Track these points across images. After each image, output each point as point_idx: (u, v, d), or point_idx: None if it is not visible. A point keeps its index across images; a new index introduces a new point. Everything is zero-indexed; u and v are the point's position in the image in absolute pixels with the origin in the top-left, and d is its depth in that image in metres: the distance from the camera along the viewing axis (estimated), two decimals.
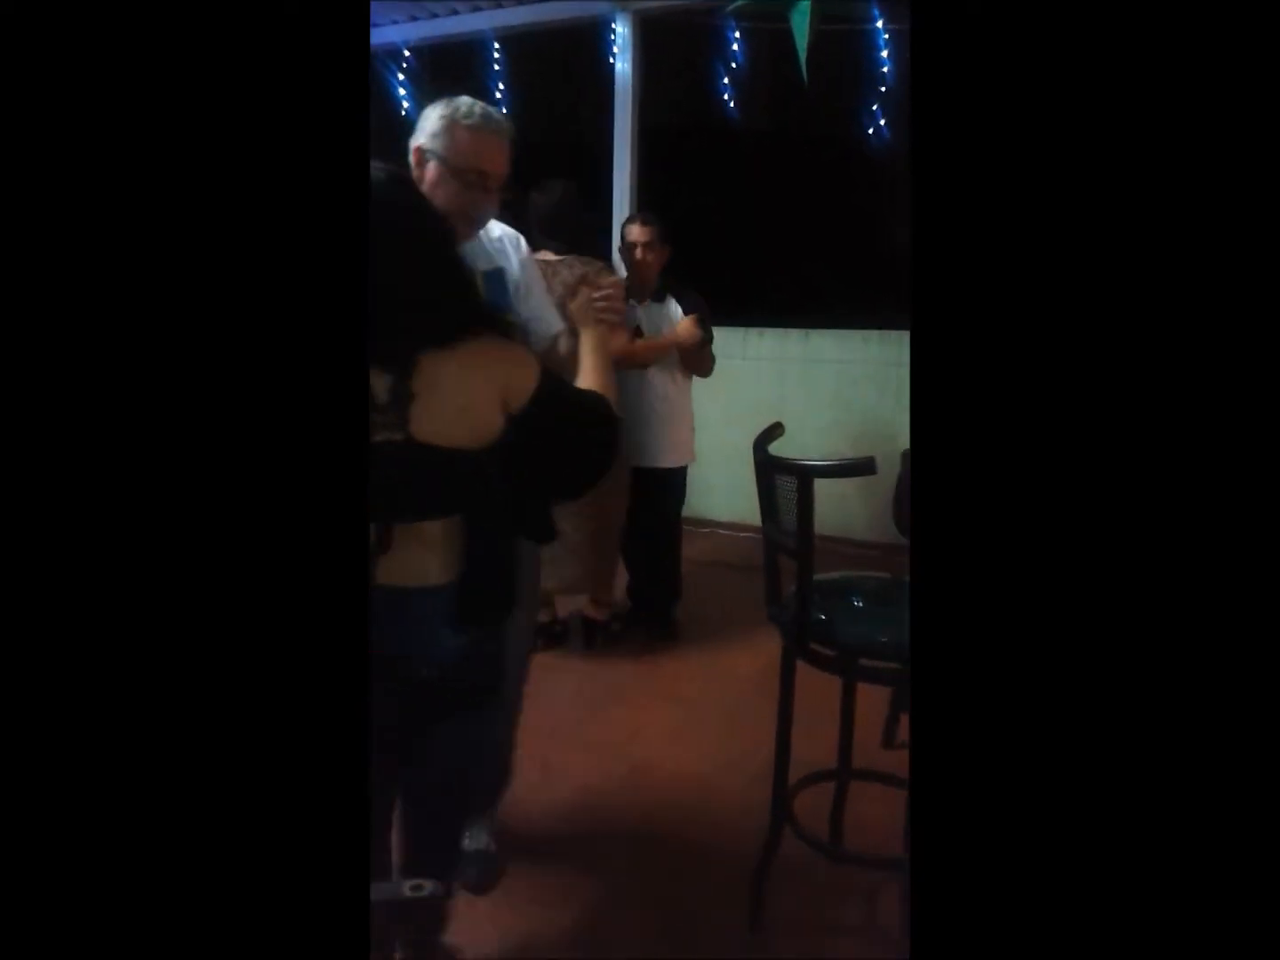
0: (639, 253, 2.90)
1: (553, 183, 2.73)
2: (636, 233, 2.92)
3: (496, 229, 1.67)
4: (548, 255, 2.67)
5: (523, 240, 1.70)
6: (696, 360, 2.99)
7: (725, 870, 1.82)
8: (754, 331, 4.29)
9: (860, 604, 1.62)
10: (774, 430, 1.64)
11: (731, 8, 2.60)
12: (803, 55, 2.34)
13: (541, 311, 1.69)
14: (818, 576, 1.59)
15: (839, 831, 1.84)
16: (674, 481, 3.11)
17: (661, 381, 2.99)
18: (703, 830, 2.01)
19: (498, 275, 1.63)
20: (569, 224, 2.70)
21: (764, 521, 1.59)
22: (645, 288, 2.95)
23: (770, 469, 1.53)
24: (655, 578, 3.22)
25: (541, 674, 2.83)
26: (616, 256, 3.14)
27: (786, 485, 1.49)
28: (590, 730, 2.49)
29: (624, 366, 2.85)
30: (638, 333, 2.94)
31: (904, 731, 2.13)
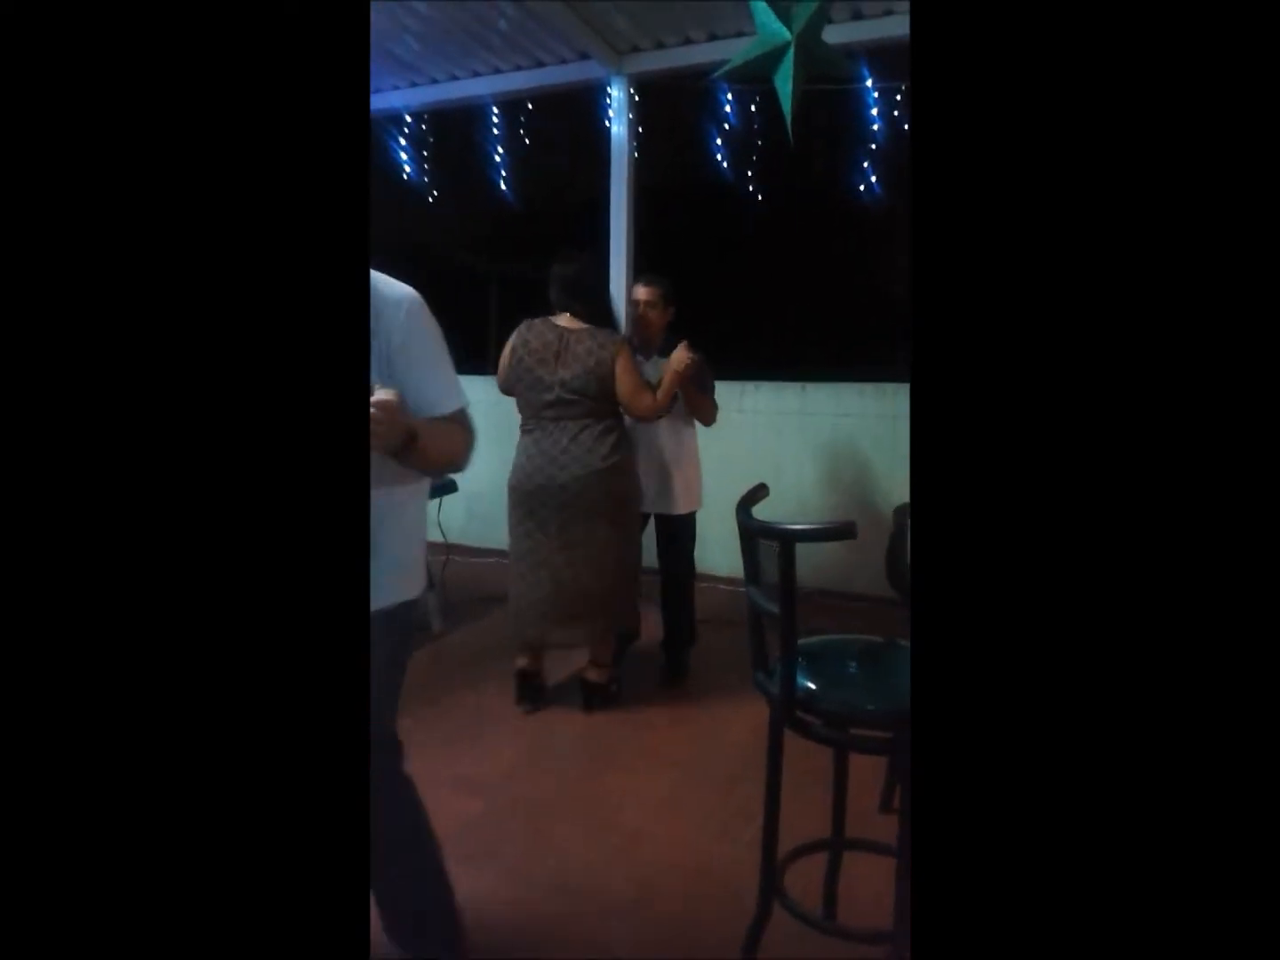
0: (642, 311, 3.10)
1: (574, 253, 2.91)
2: (641, 293, 3.13)
3: (395, 290, 1.43)
4: (572, 322, 2.86)
5: (414, 305, 1.43)
6: (699, 403, 3.07)
7: (716, 943, 1.75)
8: (750, 385, 4.30)
9: (848, 669, 1.58)
10: (758, 492, 1.62)
11: (719, 72, 2.64)
12: (788, 116, 2.37)
13: (423, 383, 1.42)
14: (803, 641, 1.56)
15: (833, 903, 1.78)
16: (685, 527, 3.21)
17: (669, 430, 3.12)
18: (693, 901, 1.95)
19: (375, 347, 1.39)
20: (587, 293, 2.87)
21: (748, 585, 1.56)
22: (651, 344, 3.14)
23: (753, 532, 1.50)
24: (670, 623, 3.27)
25: (530, 737, 2.81)
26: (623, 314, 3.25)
27: (769, 548, 1.46)
28: (581, 797, 2.43)
29: (654, 412, 2.90)
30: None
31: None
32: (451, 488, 3.68)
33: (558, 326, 2.86)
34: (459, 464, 1.52)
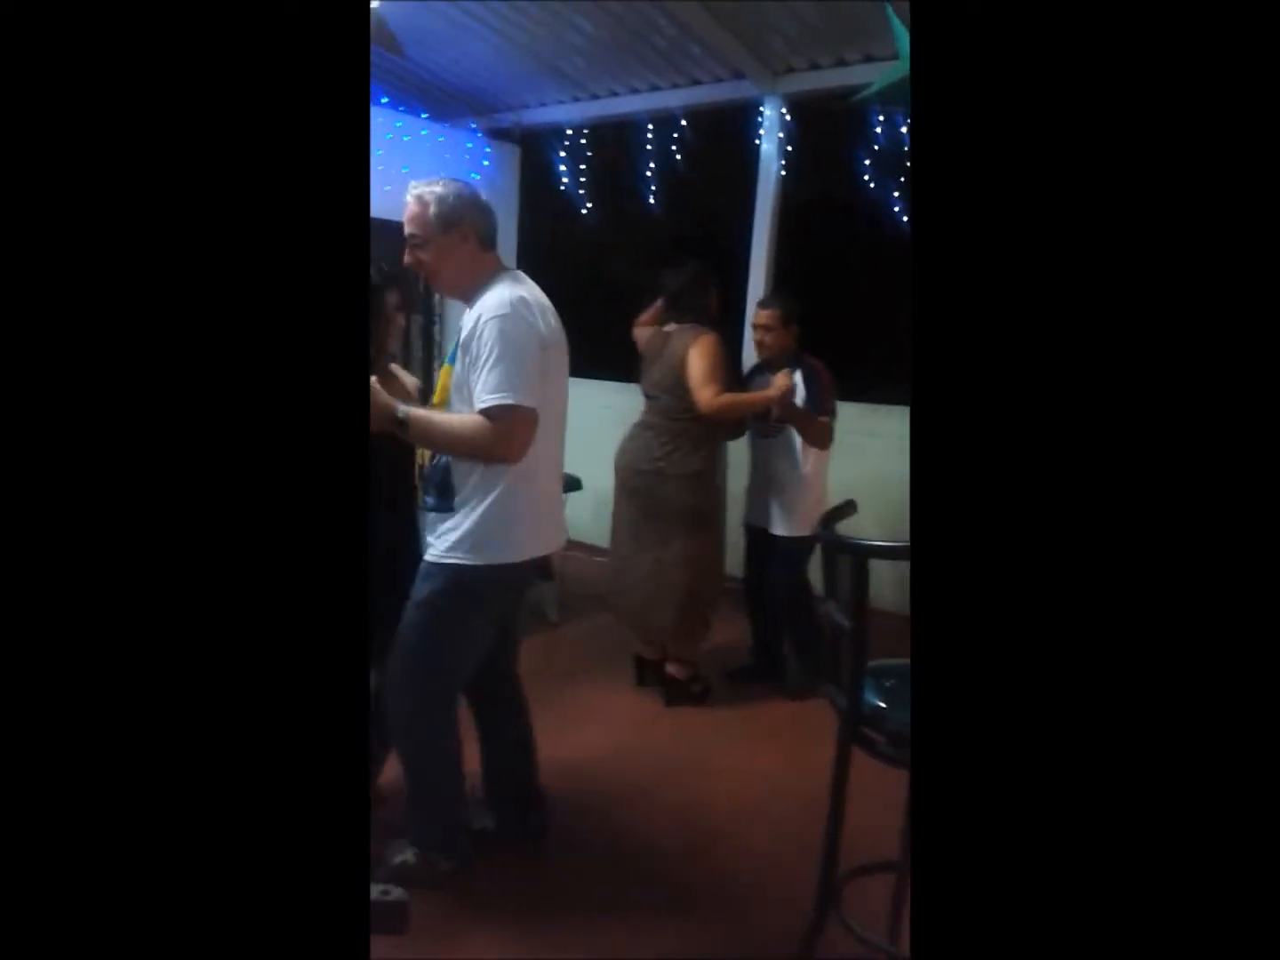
0: (759, 335, 3.16)
1: (687, 262, 3.05)
2: (759, 317, 3.17)
3: (491, 299, 1.75)
4: (672, 325, 3.02)
5: (492, 312, 1.71)
6: (805, 428, 3.04)
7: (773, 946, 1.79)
8: (882, 408, 4.23)
9: None
10: (844, 508, 1.64)
11: (858, 95, 2.65)
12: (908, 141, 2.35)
13: (476, 378, 1.70)
14: (884, 661, 1.57)
15: (898, 927, 1.77)
16: (784, 549, 3.14)
17: (786, 449, 3.11)
18: (760, 911, 1.99)
19: (460, 337, 1.78)
20: (694, 301, 3.01)
21: (827, 599, 1.58)
22: (775, 364, 3.14)
23: (831, 547, 1.53)
24: (767, 649, 3.35)
25: (629, 731, 2.89)
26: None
27: (847, 564, 1.48)
28: (666, 791, 2.50)
29: (725, 420, 3.00)
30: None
31: None
32: (576, 485, 3.81)
33: (663, 331, 3.04)
34: (480, 450, 1.73)
